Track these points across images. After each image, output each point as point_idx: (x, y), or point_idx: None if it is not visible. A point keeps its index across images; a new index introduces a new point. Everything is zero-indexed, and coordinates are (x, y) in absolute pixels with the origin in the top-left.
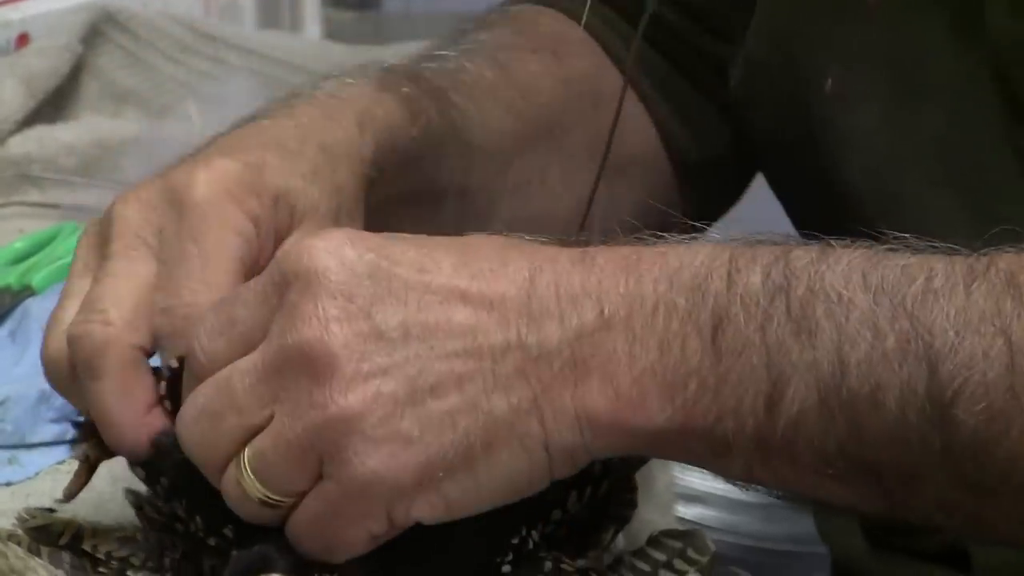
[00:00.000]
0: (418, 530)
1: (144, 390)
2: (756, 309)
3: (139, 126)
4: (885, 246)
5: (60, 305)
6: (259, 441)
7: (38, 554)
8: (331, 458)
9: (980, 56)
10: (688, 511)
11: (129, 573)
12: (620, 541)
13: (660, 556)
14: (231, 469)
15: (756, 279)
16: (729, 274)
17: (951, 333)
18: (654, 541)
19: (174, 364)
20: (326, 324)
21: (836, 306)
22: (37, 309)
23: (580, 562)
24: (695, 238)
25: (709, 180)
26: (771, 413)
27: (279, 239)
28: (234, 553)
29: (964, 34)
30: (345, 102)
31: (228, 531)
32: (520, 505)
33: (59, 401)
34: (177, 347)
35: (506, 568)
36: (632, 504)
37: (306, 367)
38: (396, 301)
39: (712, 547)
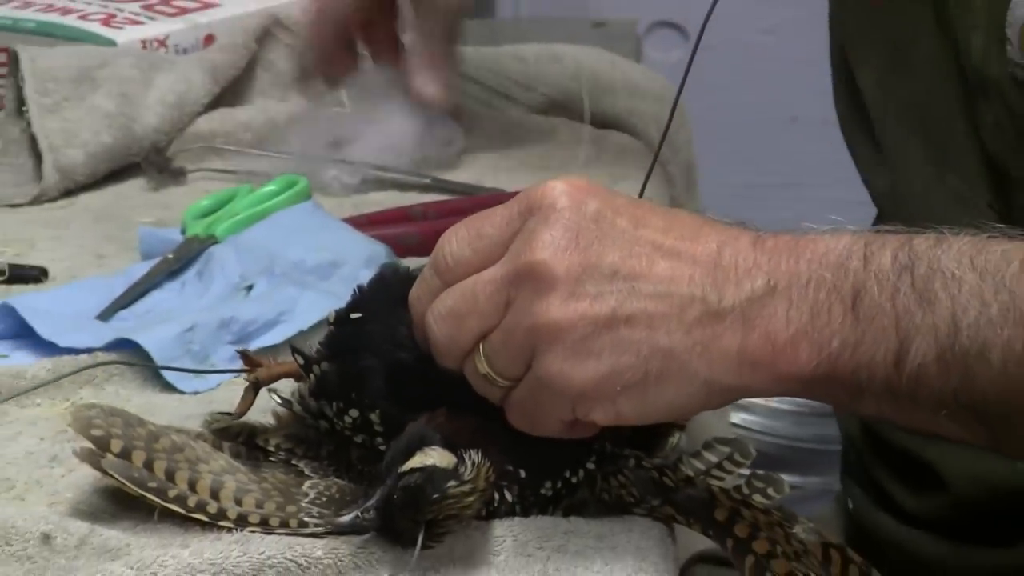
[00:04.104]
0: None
1: None
2: (887, 283)
3: (301, 108)
4: (986, 234)
5: None
6: (493, 335)
7: (220, 448)
8: (537, 354)
9: (947, 43)
10: (737, 416)
11: (293, 461)
12: (683, 441)
13: (712, 458)
14: (470, 357)
15: (887, 259)
16: (865, 256)
17: None
18: (708, 445)
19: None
20: (555, 251)
21: (950, 281)
22: (218, 253)
23: (655, 460)
24: (838, 229)
25: None
26: (898, 366)
27: None
28: (392, 442)
29: (940, 27)
30: None
31: (377, 426)
32: None
33: (236, 327)
34: None
35: (591, 465)
36: None
37: (533, 282)
38: (612, 244)
39: (753, 453)
